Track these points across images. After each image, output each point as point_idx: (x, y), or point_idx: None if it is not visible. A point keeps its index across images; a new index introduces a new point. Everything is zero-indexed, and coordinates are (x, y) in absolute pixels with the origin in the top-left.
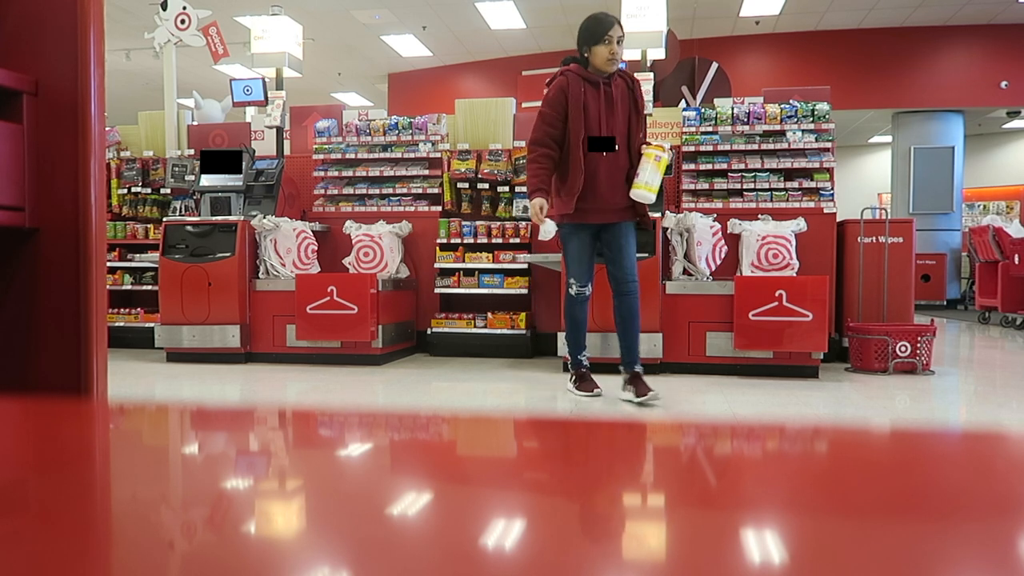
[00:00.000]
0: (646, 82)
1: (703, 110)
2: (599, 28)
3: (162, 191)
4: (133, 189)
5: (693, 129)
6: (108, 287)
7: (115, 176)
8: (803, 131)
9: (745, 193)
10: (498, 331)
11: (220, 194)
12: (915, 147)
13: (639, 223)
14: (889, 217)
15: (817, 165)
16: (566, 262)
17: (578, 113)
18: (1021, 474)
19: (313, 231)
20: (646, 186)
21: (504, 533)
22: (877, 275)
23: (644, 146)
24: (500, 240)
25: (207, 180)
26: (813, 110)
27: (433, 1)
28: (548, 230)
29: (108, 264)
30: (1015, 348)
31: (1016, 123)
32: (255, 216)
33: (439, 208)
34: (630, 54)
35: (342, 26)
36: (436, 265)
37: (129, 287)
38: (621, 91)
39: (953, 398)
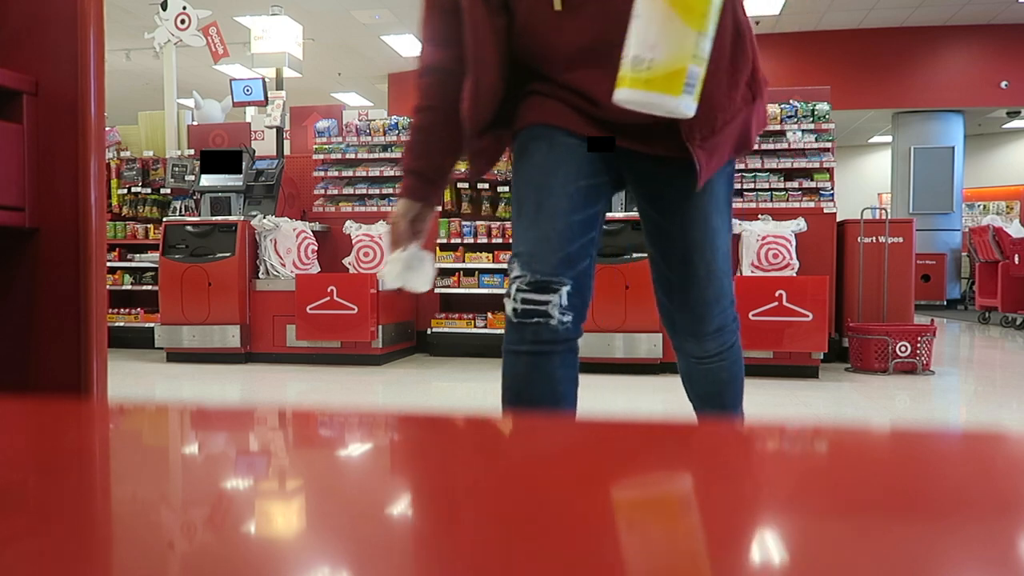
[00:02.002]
0: None
1: None
2: None
3: (162, 191)
4: (133, 189)
5: None
6: (108, 287)
7: (115, 176)
8: (803, 131)
9: (745, 193)
10: (498, 331)
11: (220, 194)
12: (915, 147)
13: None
14: (889, 217)
15: (817, 165)
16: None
17: None
18: (1021, 474)
19: (313, 231)
20: (641, 73)
21: (504, 533)
22: (877, 275)
23: None
24: (500, 240)
25: (207, 180)
26: (813, 110)
27: None
28: (390, 272)
29: (108, 264)
30: (1015, 348)
31: (1016, 123)
32: (255, 216)
33: (439, 208)
34: None
35: (342, 26)
36: (436, 265)
37: (129, 287)
38: None
39: (953, 398)
